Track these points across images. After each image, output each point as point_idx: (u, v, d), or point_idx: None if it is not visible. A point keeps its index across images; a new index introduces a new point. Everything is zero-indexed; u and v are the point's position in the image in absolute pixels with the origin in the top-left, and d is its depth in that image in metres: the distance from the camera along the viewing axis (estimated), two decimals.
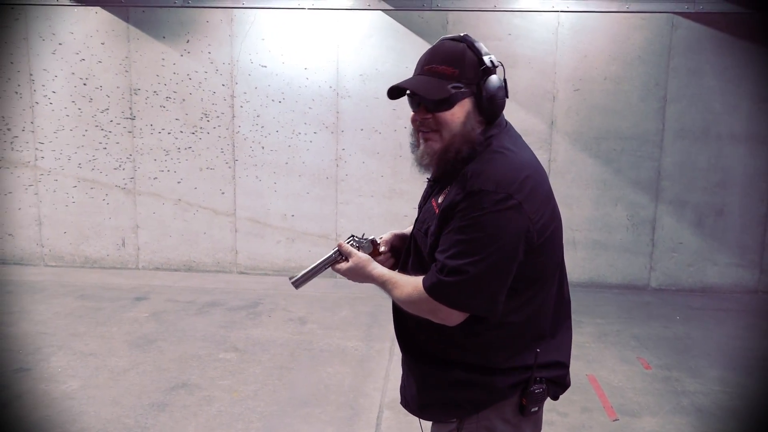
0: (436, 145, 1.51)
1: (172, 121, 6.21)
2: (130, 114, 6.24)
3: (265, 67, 6.07)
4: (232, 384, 3.76)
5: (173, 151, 6.26)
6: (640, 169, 5.98)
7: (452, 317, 1.45)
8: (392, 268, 1.77)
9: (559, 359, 1.60)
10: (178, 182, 6.30)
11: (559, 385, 1.61)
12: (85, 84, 6.21)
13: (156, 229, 6.39)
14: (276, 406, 3.49)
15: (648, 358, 4.31)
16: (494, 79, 1.47)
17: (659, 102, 5.88)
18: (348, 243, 1.77)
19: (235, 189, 6.28)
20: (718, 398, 3.70)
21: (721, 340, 4.76)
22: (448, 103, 1.46)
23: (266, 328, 4.76)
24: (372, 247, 1.80)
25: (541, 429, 1.66)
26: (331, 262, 1.76)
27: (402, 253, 1.78)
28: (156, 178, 6.31)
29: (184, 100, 6.17)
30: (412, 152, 1.59)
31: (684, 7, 5.71)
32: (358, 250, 1.76)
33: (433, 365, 1.59)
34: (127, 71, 6.18)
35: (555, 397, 1.62)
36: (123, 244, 6.45)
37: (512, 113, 5.54)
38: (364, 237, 1.82)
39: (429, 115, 1.50)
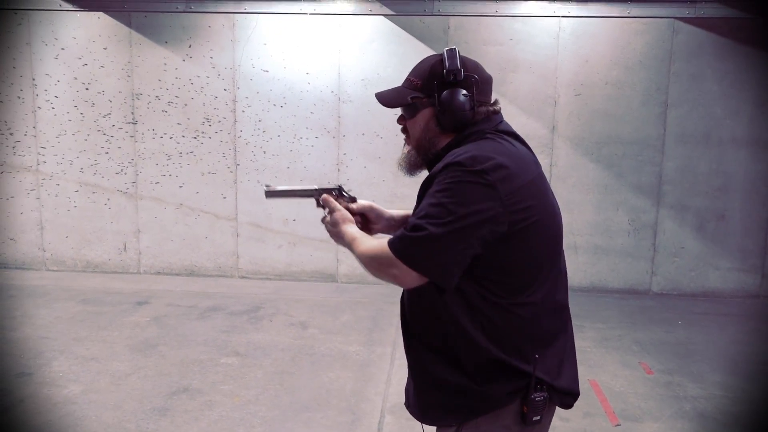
0: (408, 149, 1.68)
1: (174, 125, 6.23)
2: (132, 119, 6.25)
3: (267, 71, 6.08)
4: (234, 389, 3.76)
5: (175, 156, 6.27)
6: (642, 174, 5.98)
7: (407, 277, 1.46)
8: None
9: (560, 367, 1.58)
10: (180, 187, 6.31)
11: (566, 393, 1.58)
12: (87, 89, 6.23)
13: (157, 234, 6.40)
14: (277, 411, 3.49)
15: (650, 363, 4.31)
16: (449, 92, 1.54)
17: (660, 107, 5.88)
18: (334, 192, 1.87)
19: (236, 193, 6.28)
20: (720, 403, 3.69)
21: (723, 344, 4.76)
22: (410, 111, 1.61)
23: (267, 333, 4.76)
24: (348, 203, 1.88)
25: None
26: (307, 196, 1.88)
27: (371, 227, 1.89)
28: (158, 182, 6.32)
29: (186, 104, 6.19)
30: None
31: (685, 12, 5.72)
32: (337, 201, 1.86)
33: (431, 365, 1.58)
34: (129, 76, 6.19)
35: (566, 405, 1.61)
36: (124, 249, 6.46)
37: (513, 118, 5.57)
38: (350, 192, 1.90)
39: (403, 122, 1.67)
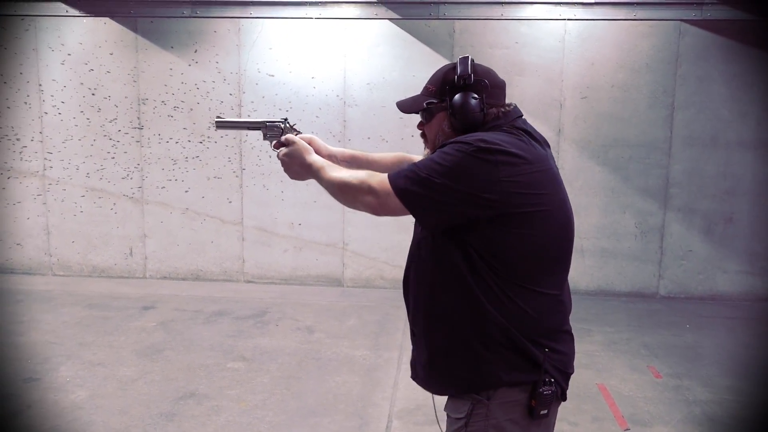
0: (427, 152, 1.78)
1: (180, 130, 6.24)
2: (138, 124, 6.27)
3: (273, 76, 6.09)
4: (240, 393, 3.75)
5: (181, 161, 6.28)
6: (649, 177, 5.95)
7: (383, 206, 1.58)
8: None
9: (563, 350, 1.64)
10: (186, 191, 6.31)
11: (562, 373, 1.62)
12: (93, 94, 6.25)
13: (163, 239, 6.41)
14: (284, 416, 3.48)
15: (658, 367, 4.28)
16: (460, 95, 1.62)
17: (667, 109, 5.86)
18: (281, 125, 2.01)
19: (242, 198, 6.29)
20: (730, 407, 3.66)
21: (732, 348, 4.72)
22: (427, 116, 1.72)
23: (274, 338, 4.75)
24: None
25: None
26: (255, 128, 2.01)
27: None
28: (164, 187, 6.33)
29: (191, 109, 6.20)
30: None
31: (691, 15, 5.71)
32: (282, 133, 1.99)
33: (440, 336, 1.63)
34: (135, 81, 6.21)
35: (563, 395, 1.63)
36: (131, 254, 6.46)
37: None
38: (294, 126, 2.04)
39: (422, 128, 1.77)
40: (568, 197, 1.65)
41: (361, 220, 6.18)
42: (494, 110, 1.64)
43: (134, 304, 5.55)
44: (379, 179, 1.60)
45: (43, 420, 3.35)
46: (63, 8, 6.12)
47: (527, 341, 1.54)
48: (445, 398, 1.71)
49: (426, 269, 1.65)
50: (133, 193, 6.37)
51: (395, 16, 5.90)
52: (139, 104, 6.24)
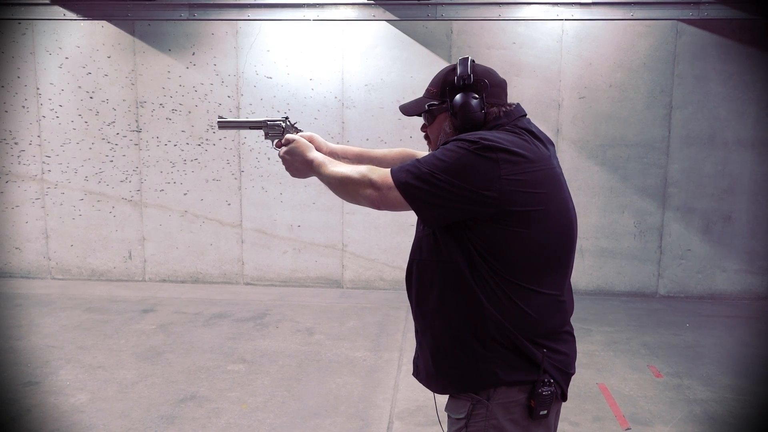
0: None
1: (178, 133, 6.24)
2: (137, 127, 6.27)
3: (271, 78, 6.09)
4: (241, 396, 3.75)
5: (179, 163, 6.27)
6: (647, 176, 5.96)
7: (384, 200, 1.60)
8: None
9: (564, 350, 1.64)
10: (185, 194, 6.31)
11: (563, 373, 1.62)
12: (91, 97, 6.25)
13: (162, 241, 6.40)
14: (285, 418, 3.47)
15: (659, 366, 4.28)
16: (460, 95, 1.64)
17: (665, 109, 5.87)
18: (282, 124, 2.04)
19: (241, 200, 6.28)
20: (731, 406, 3.67)
21: (732, 347, 4.73)
22: (429, 118, 1.75)
23: (274, 340, 4.75)
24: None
25: None
26: (257, 127, 2.05)
27: None
28: (162, 190, 6.32)
29: (190, 112, 6.20)
30: None
31: (688, 14, 5.72)
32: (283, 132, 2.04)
33: (443, 334, 1.63)
34: (133, 84, 6.21)
35: (563, 395, 1.63)
36: (130, 257, 6.46)
37: None
38: (295, 125, 2.07)
39: (425, 129, 1.80)
40: (570, 197, 1.65)
41: (360, 221, 6.18)
42: (495, 110, 1.66)
43: (134, 307, 5.55)
44: (381, 173, 1.61)
45: (42, 424, 3.34)
46: (60, 12, 6.12)
47: (526, 341, 1.55)
48: (446, 398, 1.71)
49: (426, 268, 1.65)
50: (132, 196, 6.36)
51: (393, 17, 5.91)
52: (137, 107, 6.24)
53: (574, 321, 1.71)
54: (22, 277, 6.54)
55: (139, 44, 6.16)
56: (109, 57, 6.19)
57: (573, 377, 1.68)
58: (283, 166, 1.94)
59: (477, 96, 1.63)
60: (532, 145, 1.56)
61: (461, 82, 1.63)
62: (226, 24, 6.07)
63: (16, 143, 6.35)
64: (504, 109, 1.67)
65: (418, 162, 1.56)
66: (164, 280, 6.46)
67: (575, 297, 1.74)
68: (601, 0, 5.74)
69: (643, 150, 5.93)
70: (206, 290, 6.17)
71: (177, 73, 6.16)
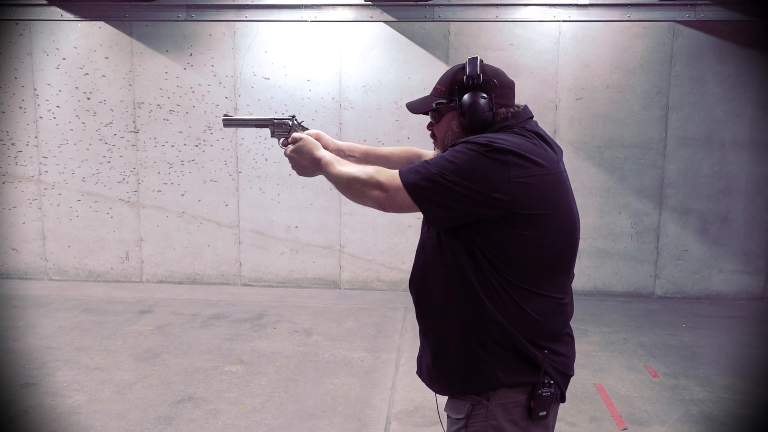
0: (437, 152, 1.81)
1: (176, 134, 6.24)
2: (134, 127, 6.26)
3: (268, 79, 6.09)
4: (239, 397, 3.75)
5: (177, 164, 6.27)
6: (644, 177, 5.98)
7: (391, 202, 1.59)
8: None
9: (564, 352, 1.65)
10: (182, 195, 6.31)
11: (562, 374, 1.63)
12: (88, 98, 6.24)
13: (160, 242, 6.40)
14: (283, 419, 3.47)
15: (655, 367, 4.29)
16: (469, 95, 1.64)
17: (662, 110, 5.89)
18: (289, 122, 2.03)
19: (238, 201, 6.28)
20: (727, 406, 3.68)
21: (729, 347, 4.74)
22: (436, 116, 1.74)
23: (271, 340, 4.75)
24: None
25: None
26: (263, 125, 2.03)
27: None
28: (160, 191, 6.32)
29: (187, 113, 6.20)
30: None
31: (685, 16, 5.74)
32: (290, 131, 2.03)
33: (445, 335, 1.63)
34: (130, 85, 6.21)
35: (562, 396, 1.64)
36: (127, 258, 6.45)
37: None
38: (302, 123, 2.06)
39: (431, 128, 1.80)
40: (575, 201, 1.66)
41: (357, 222, 6.19)
42: (503, 110, 1.65)
43: (131, 308, 5.54)
44: (389, 174, 1.60)
45: (40, 425, 3.34)
46: (58, 12, 6.12)
47: (528, 343, 1.55)
48: (446, 397, 1.71)
49: (430, 270, 1.66)
50: (129, 197, 6.36)
51: (390, 18, 5.92)
52: (134, 108, 6.24)
53: (572, 321, 1.71)
54: (19, 278, 6.53)
55: (137, 45, 6.16)
56: (106, 58, 6.19)
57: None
58: (289, 165, 1.94)
59: (486, 96, 1.63)
60: (541, 149, 1.57)
61: (470, 82, 1.63)
62: (224, 25, 6.07)
63: (13, 144, 6.34)
64: (512, 110, 1.67)
65: (427, 163, 1.55)
66: (162, 281, 6.45)
67: (573, 298, 1.75)
68: (597, 1, 5.75)
69: (640, 151, 5.95)
70: (204, 291, 6.16)
71: (174, 74, 6.16)
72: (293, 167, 1.92)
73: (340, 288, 6.33)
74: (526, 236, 1.52)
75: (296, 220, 6.26)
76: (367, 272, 6.28)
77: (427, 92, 1.81)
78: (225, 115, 2.09)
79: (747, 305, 5.91)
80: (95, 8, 6.10)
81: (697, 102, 5.86)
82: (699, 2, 5.69)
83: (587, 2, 5.75)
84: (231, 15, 6.04)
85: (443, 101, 1.71)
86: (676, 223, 6.01)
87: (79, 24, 6.16)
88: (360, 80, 6.03)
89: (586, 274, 6.08)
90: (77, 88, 6.24)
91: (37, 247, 6.49)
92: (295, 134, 1.91)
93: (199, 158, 6.25)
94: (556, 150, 1.65)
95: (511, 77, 1.73)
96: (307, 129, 2.04)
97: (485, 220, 1.52)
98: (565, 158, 1.71)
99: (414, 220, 6.02)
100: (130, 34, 6.15)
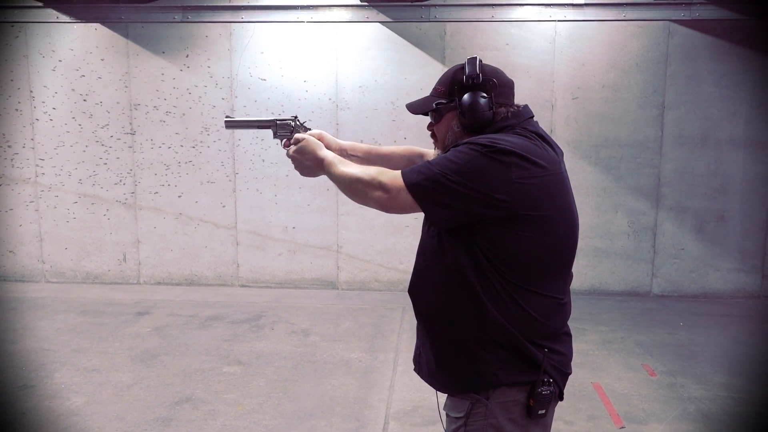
0: (437, 152, 1.81)
1: (173, 135, 6.23)
2: (131, 129, 6.26)
3: (265, 80, 6.09)
4: (237, 397, 3.75)
5: (174, 166, 6.27)
6: (640, 176, 5.99)
7: (393, 203, 1.60)
8: None
9: (561, 350, 1.66)
10: (179, 196, 6.30)
11: (561, 373, 1.64)
12: (85, 100, 6.24)
13: (157, 244, 6.40)
14: (281, 419, 3.48)
15: (653, 365, 4.30)
16: (469, 94, 1.64)
17: (658, 109, 5.90)
18: (291, 123, 2.04)
19: (235, 202, 6.28)
20: (724, 404, 3.69)
21: (726, 345, 4.75)
22: (436, 116, 1.74)
23: (269, 341, 4.75)
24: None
25: None
26: (266, 126, 2.03)
27: None
28: (157, 192, 6.31)
29: (184, 114, 6.20)
30: None
31: (680, 15, 5.75)
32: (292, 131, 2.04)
33: (443, 334, 1.65)
34: (126, 87, 6.20)
35: (560, 395, 1.65)
36: (124, 259, 6.45)
37: None
38: (305, 124, 2.06)
39: (431, 128, 1.79)
40: (574, 202, 1.67)
41: (355, 223, 6.19)
42: (503, 109, 1.66)
43: (128, 309, 5.54)
44: (391, 175, 1.61)
45: (38, 427, 3.34)
46: (54, 14, 6.11)
47: (527, 342, 1.56)
48: (445, 396, 1.72)
49: (430, 271, 1.66)
50: (126, 199, 6.35)
51: (386, 19, 5.92)
52: (131, 110, 6.23)
53: (569, 320, 1.72)
54: (16, 280, 6.52)
55: (133, 47, 6.15)
56: (102, 59, 6.18)
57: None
58: (290, 165, 1.94)
59: (486, 95, 1.63)
60: (543, 150, 1.57)
61: (470, 81, 1.64)
62: (220, 26, 6.07)
63: (9, 146, 6.33)
64: (512, 109, 1.67)
65: (429, 164, 1.56)
66: (159, 283, 6.45)
67: (571, 297, 1.76)
68: (593, 1, 5.77)
69: (636, 150, 5.96)
70: (201, 292, 6.16)
71: (171, 76, 6.16)
72: (296, 167, 1.92)
73: (337, 288, 6.33)
74: (526, 237, 1.52)
75: (294, 221, 6.26)
76: (365, 273, 6.28)
77: (424, 93, 1.82)
78: (227, 116, 2.09)
79: (744, 303, 5.92)
80: (91, 10, 6.10)
81: (693, 101, 5.88)
82: (694, 1, 5.71)
83: (583, 2, 5.76)
84: (227, 16, 6.04)
85: (443, 101, 1.71)
86: (673, 222, 6.03)
87: (75, 26, 6.15)
88: (356, 81, 6.03)
89: (583, 273, 6.09)
90: (73, 90, 6.23)
91: (34, 249, 6.48)
92: (297, 135, 1.91)
93: (195, 160, 6.25)
94: (557, 151, 1.65)
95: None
96: (309, 129, 2.04)
97: (486, 221, 1.52)
98: None
99: (411, 221, 6.03)
100: (126, 35, 6.14)
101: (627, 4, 5.75)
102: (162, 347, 4.58)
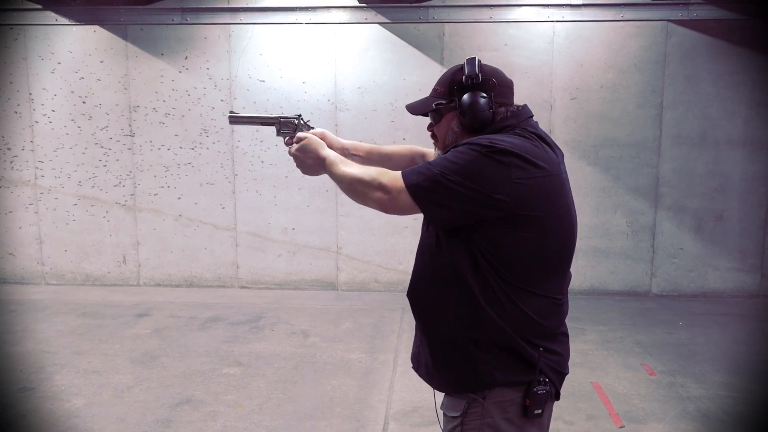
0: (438, 152, 1.80)
1: (172, 137, 6.24)
2: (130, 131, 6.26)
3: (264, 81, 6.10)
4: (237, 399, 3.76)
5: (173, 167, 6.27)
6: (639, 176, 6.00)
7: (394, 203, 1.60)
8: None
9: (558, 350, 1.66)
10: (179, 198, 6.31)
11: (557, 373, 1.64)
12: (84, 102, 6.24)
13: (157, 245, 6.40)
14: (281, 420, 3.48)
15: (652, 364, 4.31)
16: (468, 94, 1.65)
17: (656, 109, 5.91)
18: (294, 121, 2.05)
19: (235, 203, 6.29)
20: (723, 403, 3.70)
21: (725, 345, 4.76)
22: (436, 117, 1.74)
23: (269, 342, 4.75)
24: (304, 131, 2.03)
25: None
26: (269, 123, 2.03)
27: None
28: (156, 194, 6.32)
29: (183, 116, 6.20)
30: None
31: (678, 15, 5.76)
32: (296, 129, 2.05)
33: (441, 334, 1.65)
34: (126, 89, 6.21)
35: (557, 394, 1.66)
36: (124, 261, 6.45)
37: None
38: (308, 122, 2.07)
39: (432, 129, 1.79)
40: (573, 202, 1.67)
41: (354, 223, 6.20)
42: (503, 109, 1.67)
43: (128, 311, 5.54)
44: (392, 176, 1.61)
45: (38, 429, 3.34)
46: (52, 17, 6.12)
47: (524, 342, 1.57)
48: (443, 395, 1.73)
49: (429, 271, 1.67)
50: (126, 201, 6.36)
51: (385, 20, 5.93)
52: (130, 111, 6.24)
53: (568, 320, 1.73)
54: (16, 282, 6.52)
55: (132, 49, 6.16)
56: (101, 62, 6.19)
57: (567, 376, 1.70)
58: (290, 165, 1.96)
59: (485, 95, 1.64)
60: (542, 151, 1.58)
61: (469, 81, 1.64)
62: (219, 28, 6.08)
63: (8, 149, 6.34)
64: (512, 109, 1.68)
65: (430, 164, 1.56)
66: (159, 285, 6.45)
67: (569, 297, 1.77)
68: (591, 1, 5.78)
69: (634, 150, 5.97)
70: (201, 294, 6.17)
71: (170, 77, 6.16)
72: (297, 166, 1.93)
73: (337, 289, 6.33)
74: (525, 237, 1.53)
75: (293, 222, 6.26)
76: (365, 273, 6.29)
77: (423, 93, 1.82)
78: (231, 111, 2.10)
79: (743, 303, 5.93)
80: (90, 12, 6.10)
81: (691, 101, 5.89)
82: (692, 1, 5.72)
83: (581, 2, 5.77)
84: (226, 18, 6.05)
85: (443, 102, 1.71)
86: (672, 222, 6.04)
87: (74, 28, 6.16)
88: (355, 82, 6.04)
89: (582, 273, 6.09)
90: (72, 92, 6.24)
91: (34, 251, 6.48)
92: (300, 133, 1.92)
93: (195, 161, 6.25)
94: (556, 152, 1.65)
95: None
96: (312, 128, 2.05)
97: (485, 221, 1.52)
98: None
99: (411, 221, 6.03)
100: (125, 37, 6.15)
101: (625, 5, 5.76)
102: (162, 349, 4.59)
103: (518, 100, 1.72)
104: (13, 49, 6.21)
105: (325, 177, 1.90)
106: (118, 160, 6.31)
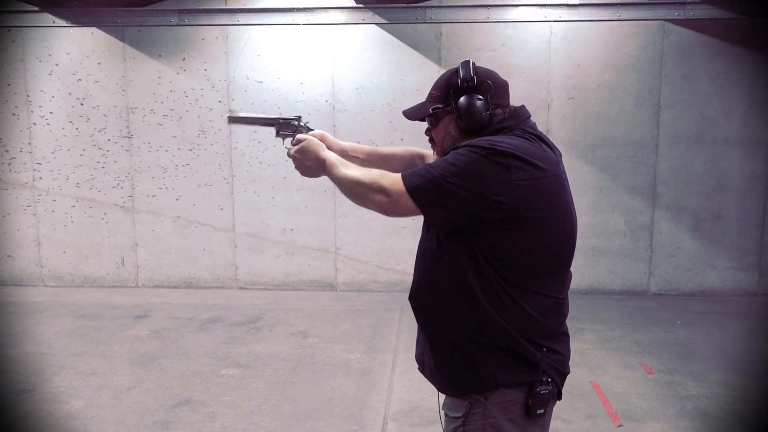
0: (436, 156, 1.79)
1: (170, 138, 6.24)
2: (128, 132, 6.26)
3: (261, 82, 6.10)
4: (236, 400, 3.76)
5: (171, 169, 6.27)
6: (637, 175, 6.01)
7: (395, 206, 1.59)
8: None
9: (559, 350, 1.67)
10: (177, 199, 6.31)
11: (559, 372, 1.65)
12: (82, 104, 6.24)
13: (155, 247, 6.40)
14: (280, 421, 3.48)
15: (650, 363, 4.32)
16: (464, 97, 1.65)
17: (653, 108, 5.92)
18: (294, 122, 2.04)
19: (233, 204, 6.29)
20: (722, 402, 3.70)
21: (723, 343, 4.77)
22: (433, 121, 1.74)
23: (268, 343, 4.76)
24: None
25: None
26: (269, 124, 2.01)
27: None
28: (154, 195, 6.32)
29: (181, 117, 6.20)
30: None
31: (675, 14, 5.77)
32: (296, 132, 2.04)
33: (452, 337, 1.64)
34: (123, 90, 6.21)
35: (559, 394, 1.66)
36: (122, 263, 6.45)
37: None
38: (307, 124, 2.06)
39: (429, 133, 1.79)
40: (573, 202, 1.67)
41: (353, 224, 6.20)
42: (499, 110, 1.67)
43: (127, 313, 5.54)
44: (392, 179, 1.61)
45: (37, 431, 3.34)
46: (50, 19, 6.12)
47: (526, 342, 1.57)
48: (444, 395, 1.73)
49: (429, 274, 1.66)
50: (124, 202, 6.36)
51: (382, 20, 5.93)
52: (128, 113, 6.24)
53: (567, 320, 1.73)
54: (14, 284, 6.51)
55: (129, 50, 6.16)
56: (99, 63, 6.19)
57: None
58: (290, 166, 1.93)
59: (481, 97, 1.64)
60: (542, 152, 1.58)
61: (465, 84, 1.64)
62: (216, 29, 6.08)
63: (6, 151, 6.33)
64: (508, 110, 1.68)
65: (430, 167, 1.56)
66: (157, 286, 6.45)
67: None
68: (588, 1, 5.79)
69: (632, 149, 5.98)
70: (199, 295, 6.16)
71: (167, 79, 6.16)
72: (297, 167, 1.93)
73: (336, 290, 6.34)
74: (526, 238, 1.53)
75: (291, 223, 6.27)
76: (363, 274, 6.29)
77: (420, 94, 1.82)
78: (230, 111, 2.10)
79: (741, 301, 5.94)
80: (87, 14, 6.10)
81: (689, 100, 5.90)
82: (689, 1, 5.72)
83: (578, 2, 5.78)
84: (223, 19, 6.05)
85: (439, 106, 1.71)
86: (670, 221, 6.04)
87: (72, 30, 6.16)
88: (353, 82, 6.05)
89: (580, 272, 6.10)
90: (70, 93, 6.24)
91: (32, 253, 6.48)
92: (299, 135, 1.91)
93: (193, 162, 6.25)
94: (555, 152, 1.65)
95: (503, 77, 1.74)
96: (312, 130, 2.04)
97: (486, 223, 1.52)
98: None
99: (409, 222, 6.03)
100: (122, 39, 6.15)
101: (621, 5, 5.77)
102: (161, 350, 4.59)
103: (516, 100, 1.72)
104: (11, 51, 6.20)
105: (323, 178, 1.89)
106: (116, 161, 6.30)
